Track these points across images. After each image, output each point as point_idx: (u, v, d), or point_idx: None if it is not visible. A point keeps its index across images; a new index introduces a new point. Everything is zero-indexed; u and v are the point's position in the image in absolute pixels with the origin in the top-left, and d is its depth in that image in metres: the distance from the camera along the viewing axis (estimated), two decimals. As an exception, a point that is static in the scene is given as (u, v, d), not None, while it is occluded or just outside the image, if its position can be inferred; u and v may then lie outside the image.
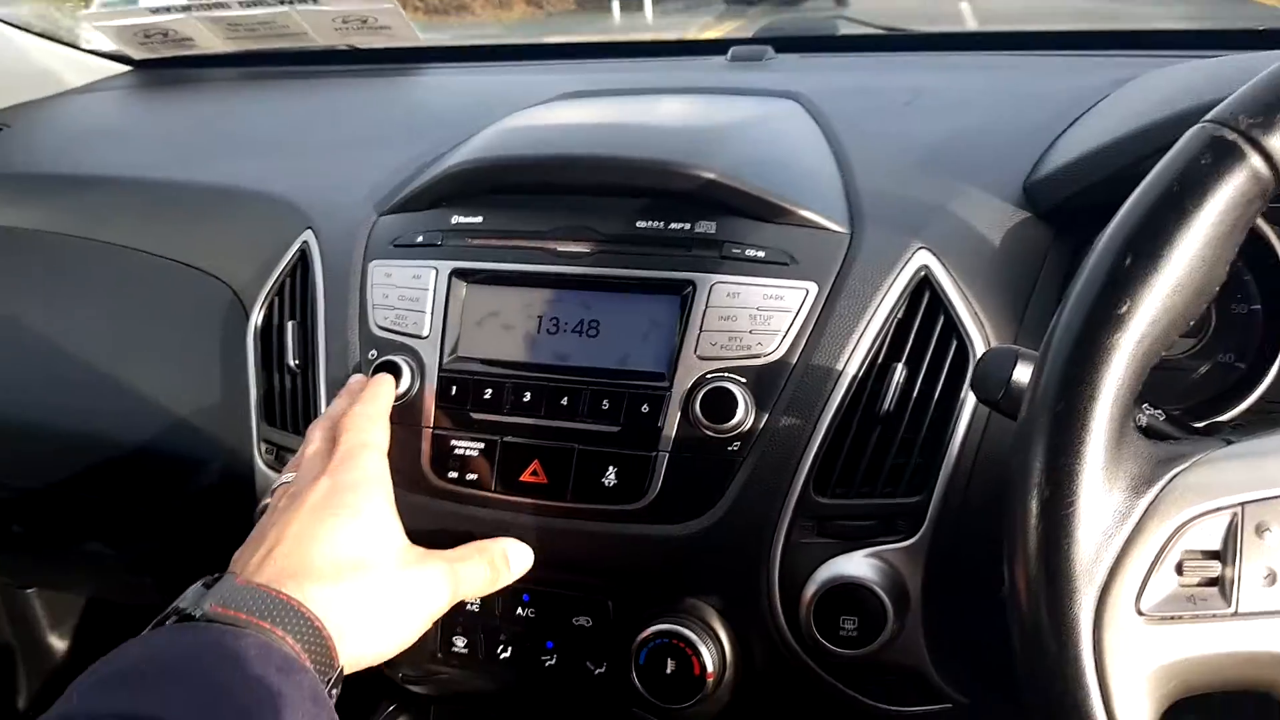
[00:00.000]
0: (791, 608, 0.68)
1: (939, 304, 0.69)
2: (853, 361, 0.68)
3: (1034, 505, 0.43)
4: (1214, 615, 0.42)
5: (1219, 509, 0.43)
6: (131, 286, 0.98)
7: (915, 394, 0.68)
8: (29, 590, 1.45)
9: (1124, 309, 0.43)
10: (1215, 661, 0.42)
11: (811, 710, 0.76)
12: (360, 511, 0.60)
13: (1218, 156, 0.43)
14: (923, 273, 0.70)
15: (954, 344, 0.68)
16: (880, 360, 0.69)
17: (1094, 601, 0.42)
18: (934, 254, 0.70)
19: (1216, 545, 0.43)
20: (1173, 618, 0.42)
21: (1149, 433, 0.45)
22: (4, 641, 1.47)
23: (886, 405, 0.67)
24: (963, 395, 0.67)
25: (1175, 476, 0.44)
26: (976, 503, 0.67)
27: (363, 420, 0.66)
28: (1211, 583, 0.43)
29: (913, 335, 0.69)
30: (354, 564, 0.58)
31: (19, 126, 1.23)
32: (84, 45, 1.41)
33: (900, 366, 0.68)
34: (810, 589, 0.67)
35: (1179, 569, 0.43)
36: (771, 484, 0.68)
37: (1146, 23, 1.36)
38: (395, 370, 0.75)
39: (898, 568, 0.66)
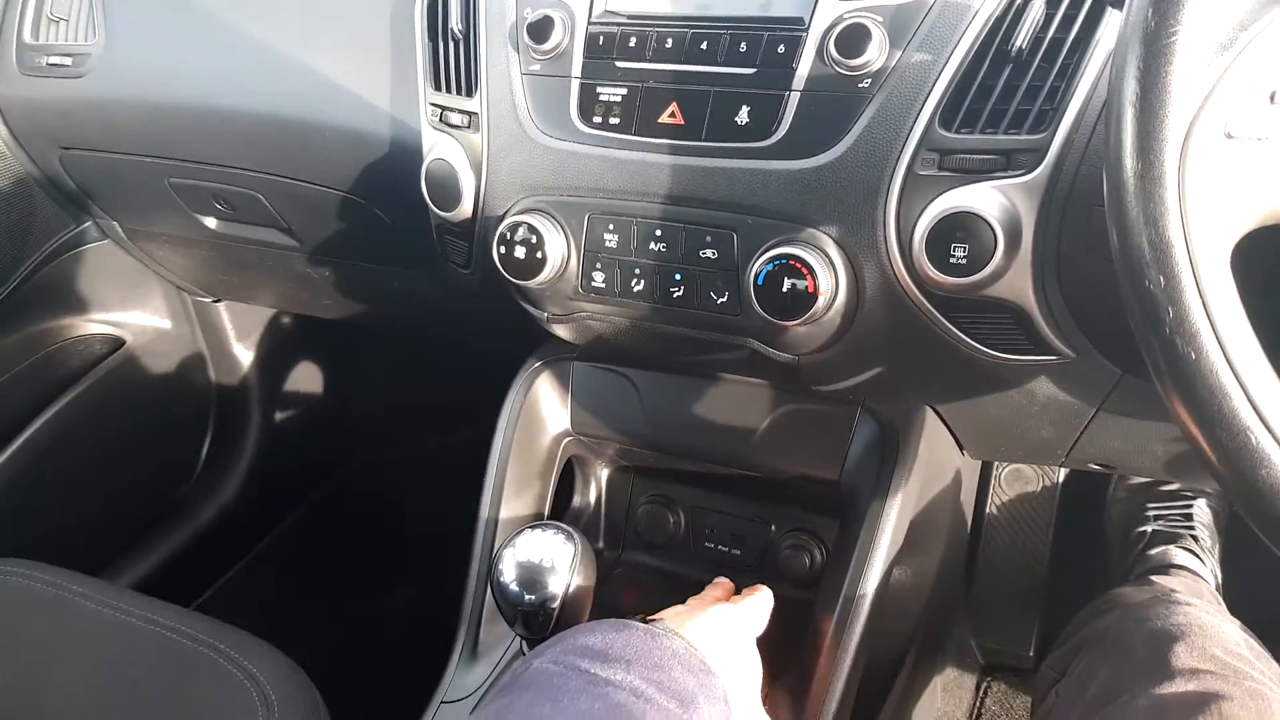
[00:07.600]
0: (905, 236, 0.72)
1: None
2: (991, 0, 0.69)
3: (1140, 35, 0.45)
4: (1305, 131, 0.44)
5: (1325, 37, 0.44)
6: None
7: (1050, 36, 0.69)
8: (219, 303, 1.64)
9: None
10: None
11: (923, 354, 0.81)
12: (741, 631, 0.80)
13: None
14: None
15: None
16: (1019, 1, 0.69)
17: (1185, 122, 0.44)
18: (1087, -99, 0.69)
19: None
20: (1261, 140, 0.44)
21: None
22: (198, 350, 1.67)
23: (1020, 43, 0.68)
24: (1095, 38, 0.68)
25: (1286, 12, 0.45)
26: (1099, 149, 0.69)
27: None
28: (1306, 105, 0.44)
29: (1056, -24, 0.69)
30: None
31: None
32: None
33: (1039, 3, 0.68)
34: (925, 218, 0.70)
35: (1272, 98, 0.44)
36: (898, 119, 0.71)
37: None
38: (548, 24, 0.80)
39: (1014, 201, 0.69)
